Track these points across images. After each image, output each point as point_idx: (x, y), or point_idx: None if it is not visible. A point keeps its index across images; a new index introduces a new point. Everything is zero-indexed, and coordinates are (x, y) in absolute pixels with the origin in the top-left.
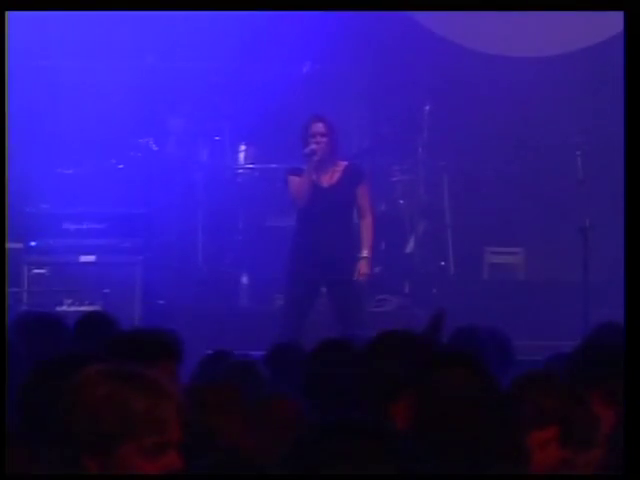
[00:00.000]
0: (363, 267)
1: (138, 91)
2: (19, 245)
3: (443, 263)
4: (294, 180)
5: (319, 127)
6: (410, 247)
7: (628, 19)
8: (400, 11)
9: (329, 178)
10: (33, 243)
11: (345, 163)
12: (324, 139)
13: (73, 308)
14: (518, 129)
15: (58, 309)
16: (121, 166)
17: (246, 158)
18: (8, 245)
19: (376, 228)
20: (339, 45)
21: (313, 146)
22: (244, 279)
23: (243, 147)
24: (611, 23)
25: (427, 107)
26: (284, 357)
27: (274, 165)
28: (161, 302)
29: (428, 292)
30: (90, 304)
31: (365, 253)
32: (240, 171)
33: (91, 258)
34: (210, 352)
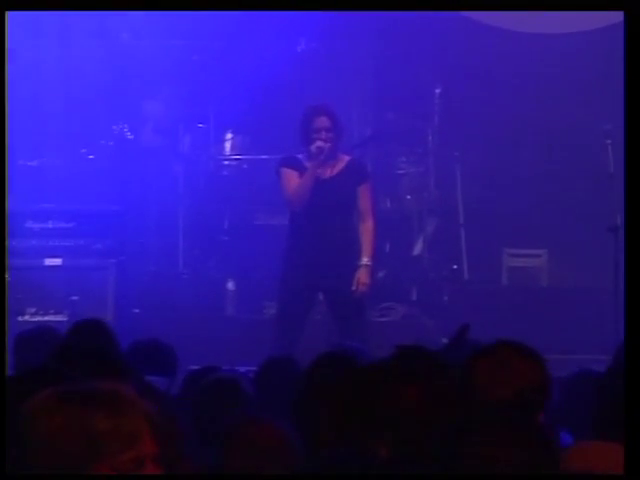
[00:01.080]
0: (363, 276)
1: (111, 72)
2: None
3: (455, 267)
4: (290, 176)
5: (324, 121)
6: (418, 249)
7: (628, 19)
8: (404, 11)
9: (329, 170)
10: None
11: (348, 157)
12: (330, 134)
13: (37, 318)
14: (540, 114)
15: (20, 319)
16: (91, 157)
17: (233, 148)
18: (8, 245)
19: (380, 228)
20: (338, 21)
21: (320, 143)
22: (230, 285)
23: (230, 135)
24: None
25: (438, 90)
26: (275, 374)
27: (265, 156)
28: (137, 311)
29: (438, 299)
30: (56, 313)
31: (365, 260)
32: (226, 163)
33: (57, 261)
34: (193, 367)
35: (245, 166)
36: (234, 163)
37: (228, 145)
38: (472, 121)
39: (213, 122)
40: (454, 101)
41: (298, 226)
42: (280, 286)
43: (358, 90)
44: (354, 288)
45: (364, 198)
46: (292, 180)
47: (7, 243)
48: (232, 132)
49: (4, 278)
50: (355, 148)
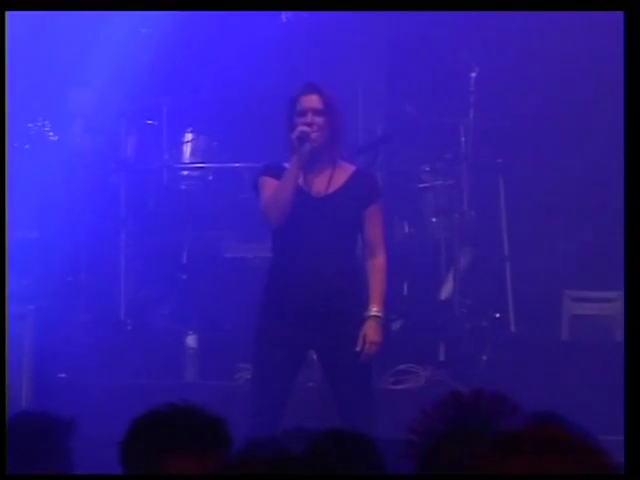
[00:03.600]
0: (371, 332)
1: (26, 50)
2: None
3: (498, 315)
4: (270, 184)
5: (312, 101)
6: (447, 291)
7: (628, 19)
8: (400, 11)
9: (325, 184)
10: None
11: (351, 167)
12: (320, 119)
13: None
14: (610, 110)
15: None
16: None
17: (194, 153)
18: (8, 247)
19: (395, 263)
20: None
21: (303, 128)
22: (191, 340)
23: (190, 136)
24: None
25: (474, 73)
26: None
27: (239, 164)
28: (62, 376)
29: (475, 360)
30: None
31: (375, 310)
32: (185, 173)
33: None
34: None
35: (211, 177)
36: (196, 173)
37: (188, 149)
38: (521, 116)
39: (167, 118)
40: (496, 89)
41: (284, 261)
42: (258, 342)
43: (366, 75)
44: (359, 348)
45: (373, 223)
46: (270, 188)
47: (7, 243)
48: (193, 131)
49: (4, 278)
50: (361, 154)
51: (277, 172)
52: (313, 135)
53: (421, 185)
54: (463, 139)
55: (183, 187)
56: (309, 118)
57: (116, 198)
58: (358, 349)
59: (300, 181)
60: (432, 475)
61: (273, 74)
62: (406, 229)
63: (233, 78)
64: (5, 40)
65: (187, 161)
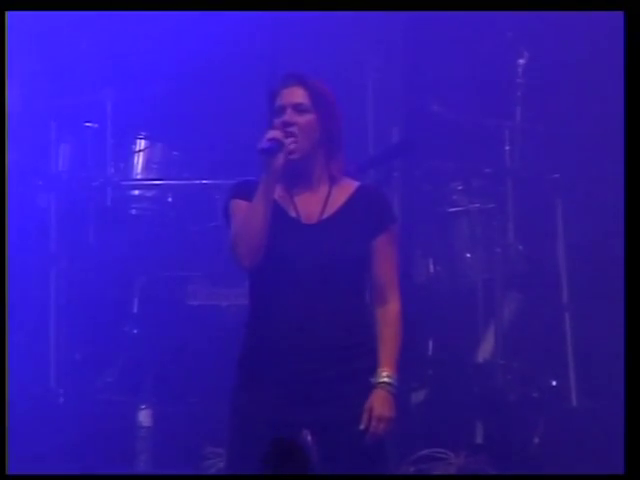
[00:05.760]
0: (379, 404)
1: None
2: None
3: (555, 383)
4: (241, 211)
5: (294, 94)
6: (486, 351)
7: (628, 19)
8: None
9: (319, 207)
10: None
11: (355, 184)
12: (304, 118)
13: None
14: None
15: None
16: None
17: (148, 166)
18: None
19: (414, 311)
20: None
21: (273, 134)
22: (143, 416)
23: (142, 143)
24: None
25: (522, 60)
26: None
27: (207, 181)
28: None
29: (524, 443)
30: None
31: (384, 375)
32: (136, 193)
33: None
34: None
35: (170, 199)
36: (150, 194)
37: (139, 160)
38: (584, 117)
39: (112, 119)
40: (551, 83)
41: (266, 310)
42: (235, 421)
43: (378, 66)
44: (364, 426)
45: (384, 259)
46: (241, 215)
47: (7, 243)
48: (147, 138)
49: (4, 278)
50: (371, 167)
51: (252, 192)
52: (289, 142)
53: (452, 209)
54: (508, 148)
55: (133, 212)
56: (288, 116)
57: (44, 226)
58: (363, 427)
59: (286, 205)
60: (432, 475)
61: (255, 64)
62: (431, 268)
63: (201, 66)
64: (5, 40)
65: (138, 177)
